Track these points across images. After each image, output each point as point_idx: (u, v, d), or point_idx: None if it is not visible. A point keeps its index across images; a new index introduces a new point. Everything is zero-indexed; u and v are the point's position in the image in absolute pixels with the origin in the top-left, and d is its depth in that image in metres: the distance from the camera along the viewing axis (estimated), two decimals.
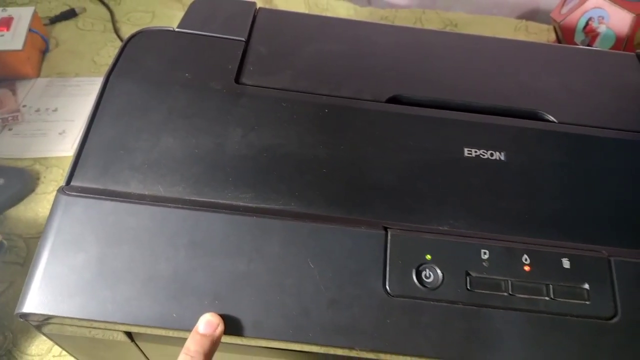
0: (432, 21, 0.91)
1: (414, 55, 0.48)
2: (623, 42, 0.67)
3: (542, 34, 0.90)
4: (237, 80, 0.42)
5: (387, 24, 0.52)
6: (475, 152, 0.40)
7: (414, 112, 0.42)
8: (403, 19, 0.91)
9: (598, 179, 0.39)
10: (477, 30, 0.89)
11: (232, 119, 0.40)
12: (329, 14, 0.92)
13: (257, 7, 0.50)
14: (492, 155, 0.40)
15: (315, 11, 0.92)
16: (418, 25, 0.91)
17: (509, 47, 0.51)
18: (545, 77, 0.47)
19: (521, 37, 0.90)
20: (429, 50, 0.49)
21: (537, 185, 0.38)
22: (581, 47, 0.51)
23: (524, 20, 0.91)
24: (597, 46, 0.70)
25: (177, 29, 0.46)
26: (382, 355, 0.32)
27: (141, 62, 0.43)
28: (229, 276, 0.33)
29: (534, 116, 0.43)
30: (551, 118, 0.43)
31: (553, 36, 0.85)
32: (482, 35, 0.53)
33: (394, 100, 0.43)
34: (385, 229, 0.35)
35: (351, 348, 0.31)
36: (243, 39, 0.46)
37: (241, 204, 0.36)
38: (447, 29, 0.90)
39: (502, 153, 0.40)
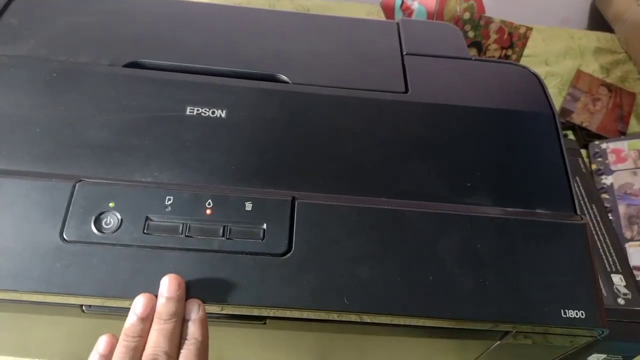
0: (286, 7, 0.93)
1: (172, 25, 0.50)
2: (433, 17, 0.70)
3: None
4: None
5: None
6: (197, 110, 0.42)
7: (145, 75, 0.43)
8: (256, 4, 0.93)
9: (309, 133, 0.41)
10: None
11: None
12: None
13: None
14: (213, 113, 0.42)
15: None
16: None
17: (280, 19, 0.54)
18: (297, 45, 0.49)
19: None
20: (191, 21, 0.51)
21: (250, 140, 0.40)
22: (352, 17, 0.54)
23: (376, 5, 0.94)
24: None
25: None
26: (48, 297, 0.33)
27: None
28: None
29: (271, 78, 0.45)
30: (285, 79, 0.45)
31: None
32: (262, 8, 0.55)
33: (132, 65, 0.44)
34: (79, 180, 0.36)
35: (16, 291, 0.33)
36: None
37: None
38: None
39: (224, 111, 0.42)
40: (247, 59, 0.47)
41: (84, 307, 0.35)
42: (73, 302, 0.34)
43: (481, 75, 0.48)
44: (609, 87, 0.85)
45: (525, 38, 0.72)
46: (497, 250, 0.37)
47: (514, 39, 0.71)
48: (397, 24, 0.53)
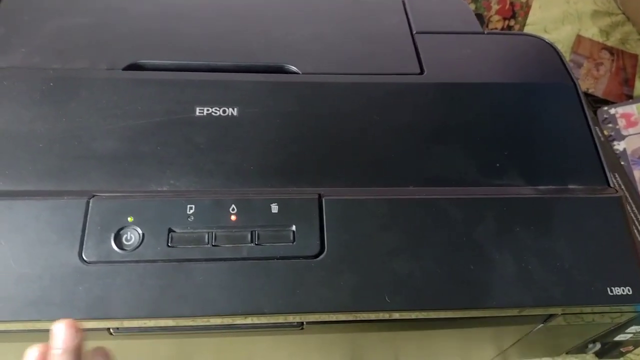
0: None
1: (167, 21, 0.47)
2: None
3: None
4: None
5: None
6: (207, 110, 0.39)
7: (149, 76, 0.41)
8: None
9: (327, 124, 0.39)
10: None
11: None
12: None
13: None
14: (224, 111, 0.39)
15: None
16: None
17: (275, 5, 0.51)
18: (300, 31, 0.47)
19: None
20: (186, 15, 0.48)
21: (266, 137, 0.38)
22: None
23: None
24: None
25: None
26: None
27: None
28: None
29: (279, 70, 0.43)
30: (295, 69, 0.43)
31: None
32: None
33: (132, 67, 0.42)
34: (93, 196, 0.34)
35: (38, 320, 0.31)
36: None
37: None
38: None
39: (235, 108, 0.40)
40: (251, 50, 0.45)
41: (111, 330, 0.33)
42: (99, 326, 0.32)
43: (496, 49, 0.46)
44: (611, 51, 0.84)
45: (527, 7, 0.70)
46: (535, 231, 0.36)
47: (515, 9, 0.69)
48: (402, 1, 0.51)
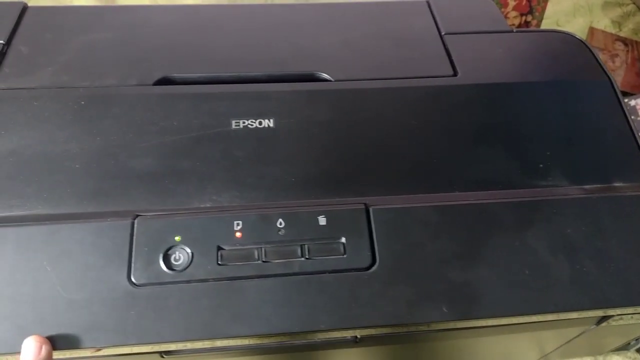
0: None
1: (192, 33, 0.46)
2: None
3: None
4: None
5: (167, 5, 0.50)
6: (243, 122, 0.38)
7: (181, 91, 0.40)
8: None
9: (365, 132, 0.39)
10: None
11: None
12: (172, 1, 0.88)
13: (26, 6, 0.47)
14: (260, 123, 0.39)
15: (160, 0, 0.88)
16: (262, 1, 0.89)
17: (300, 12, 0.50)
18: (328, 38, 0.46)
19: None
20: (210, 26, 0.47)
21: (304, 147, 0.38)
22: (374, 1, 0.51)
23: None
24: None
25: None
26: (124, 349, 0.30)
27: None
28: None
29: (311, 78, 0.42)
30: (327, 77, 0.42)
31: None
32: (277, 4, 0.52)
33: (163, 81, 0.41)
34: (136, 216, 0.33)
35: (94, 347, 0.30)
36: (2, 42, 0.43)
37: None
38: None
39: (271, 119, 0.39)
40: (279, 59, 0.44)
41: (163, 354, 0.33)
42: (152, 350, 0.31)
43: (527, 47, 0.46)
44: (624, 42, 0.83)
45: (544, 1, 0.69)
46: (586, 232, 0.35)
47: (532, 4, 0.68)
48: (427, 2, 0.50)
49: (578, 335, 0.40)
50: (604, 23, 0.88)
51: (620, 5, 0.91)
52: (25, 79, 0.40)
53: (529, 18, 0.70)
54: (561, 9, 0.89)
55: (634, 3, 0.91)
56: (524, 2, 0.68)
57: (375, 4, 0.51)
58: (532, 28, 0.69)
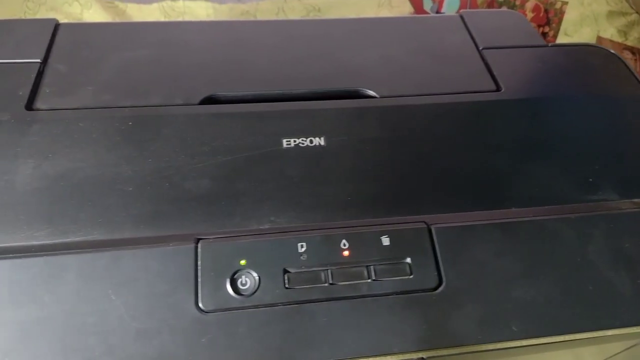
0: (295, 10, 0.89)
1: (233, 50, 0.46)
2: (467, 3, 0.68)
3: (405, 7, 0.91)
4: (29, 106, 0.38)
5: (202, 21, 0.49)
6: (294, 141, 0.38)
7: (228, 110, 0.39)
8: (265, 12, 0.89)
9: (416, 148, 0.39)
10: (341, 13, 0.89)
11: (22, 151, 0.36)
12: (188, 17, 0.88)
13: (58, 24, 0.46)
14: (311, 142, 0.38)
15: (173, 16, 0.88)
16: (281, 16, 0.89)
17: (336, 28, 0.50)
18: (367, 53, 0.46)
19: (384, 13, 0.90)
20: (250, 43, 0.47)
21: (358, 165, 0.37)
22: (408, 16, 0.51)
23: None
24: (445, 11, 0.71)
25: None
26: None
27: None
28: (19, 328, 0.29)
29: (356, 94, 0.42)
30: (372, 93, 0.42)
31: (411, 8, 0.86)
32: (313, 19, 0.52)
33: (208, 100, 0.41)
34: (198, 240, 0.33)
35: None
36: (39, 60, 0.42)
37: (35, 243, 0.32)
38: (311, 16, 0.89)
39: (322, 137, 0.39)
40: (322, 76, 0.44)
41: None
42: None
43: (565, 61, 0.46)
44: (632, 50, 0.85)
45: (561, 13, 0.71)
46: None
47: (550, 16, 0.69)
48: (461, 16, 0.51)
49: (621, 352, 0.41)
50: (610, 32, 0.89)
51: (624, 14, 0.93)
52: (67, 99, 0.39)
53: (547, 29, 0.71)
54: (568, 18, 0.91)
55: (637, 12, 0.93)
56: (542, 14, 0.69)
57: (410, 18, 0.51)
58: (566, 42, 0.70)
